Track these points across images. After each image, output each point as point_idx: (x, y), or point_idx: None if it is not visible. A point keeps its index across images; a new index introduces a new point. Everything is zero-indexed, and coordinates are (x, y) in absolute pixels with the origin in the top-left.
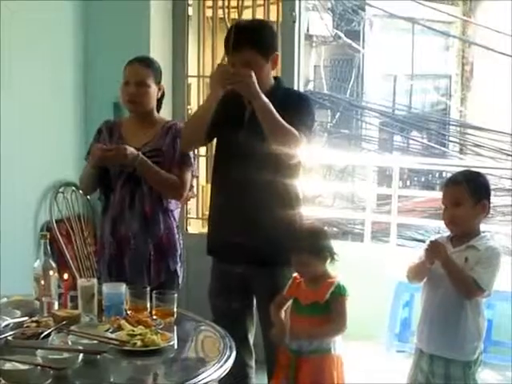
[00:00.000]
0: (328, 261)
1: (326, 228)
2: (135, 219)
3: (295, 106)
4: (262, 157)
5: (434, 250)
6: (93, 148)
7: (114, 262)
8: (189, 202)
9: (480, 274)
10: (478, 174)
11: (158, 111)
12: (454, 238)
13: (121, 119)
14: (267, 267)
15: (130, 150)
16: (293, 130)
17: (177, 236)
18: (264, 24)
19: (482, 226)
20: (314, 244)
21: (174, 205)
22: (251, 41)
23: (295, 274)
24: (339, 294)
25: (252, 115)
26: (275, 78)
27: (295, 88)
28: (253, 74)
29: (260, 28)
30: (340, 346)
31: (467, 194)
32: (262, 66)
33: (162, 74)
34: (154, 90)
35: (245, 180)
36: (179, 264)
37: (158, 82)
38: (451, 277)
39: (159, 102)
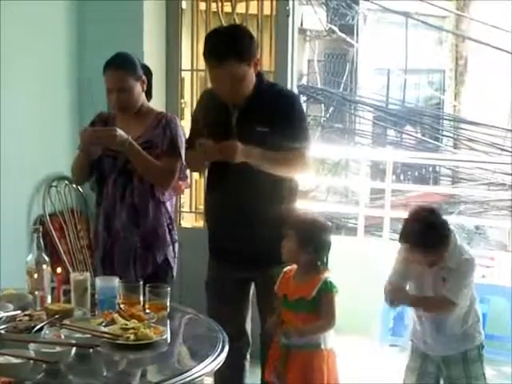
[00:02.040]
0: (319, 254)
1: (327, 223)
2: (125, 211)
3: (289, 118)
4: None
5: (397, 296)
6: (81, 131)
7: (106, 256)
8: (182, 196)
9: (451, 288)
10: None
11: (150, 100)
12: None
13: (114, 112)
14: (266, 265)
15: (119, 132)
16: (291, 156)
17: (166, 228)
18: (242, 31)
19: (476, 221)
20: (305, 232)
21: (166, 196)
22: (233, 52)
23: (285, 269)
24: (326, 290)
25: (240, 117)
26: (256, 74)
27: (283, 83)
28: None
29: (239, 37)
30: (331, 340)
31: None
32: (246, 74)
33: (139, 66)
34: (137, 89)
35: (241, 178)
36: (172, 255)
37: (139, 77)
38: (425, 308)
39: (148, 92)
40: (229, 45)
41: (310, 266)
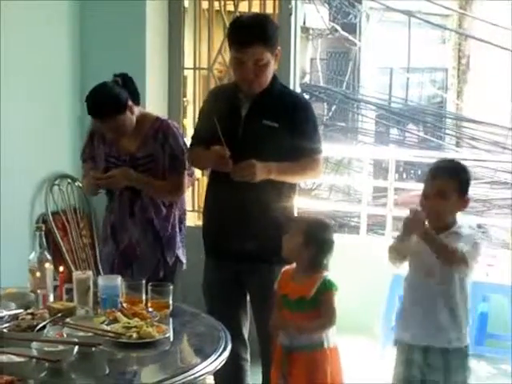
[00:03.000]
0: (321, 253)
1: (329, 222)
2: (138, 227)
3: (302, 121)
4: (258, 155)
5: (413, 222)
6: (88, 177)
7: (118, 267)
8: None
9: (465, 247)
10: (464, 166)
11: (139, 104)
12: (437, 226)
13: None
14: (261, 265)
15: (123, 172)
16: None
17: (177, 229)
18: (268, 19)
19: (478, 219)
20: (309, 231)
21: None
22: (260, 36)
23: (285, 268)
24: (326, 289)
25: (250, 110)
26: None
27: (286, 82)
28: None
29: (266, 23)
30: (334, 338)
31: (454, 188)
32: (269, 61)
33: (122, 95)
34: (129, 118)
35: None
36: (181, 250)
37: (127, 108)
38: (433, 247)
39: (135, 98)
40: (255, 29)
41: (311, 264)
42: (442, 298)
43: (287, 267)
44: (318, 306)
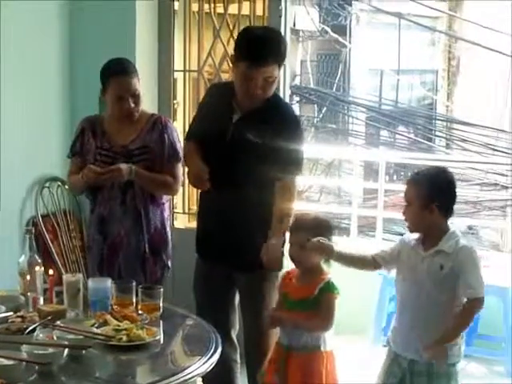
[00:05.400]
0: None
1: (330, 223)
2: (128, 217)
3: (289, 142)
4: (250, 159)
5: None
6: (85, 170)
7: (105, 262)
8: (175, 197)
9: (471, 284)
10: (441, 173)
11: None
12: (424, 240)
13: (102, 115)
14: (252, 268)
15: (123, 166)
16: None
17: (168, 229)
18: (281, 36)
19: (469, 221)
20: (314, 232)
21: (165, 197)
22: (275, 55)
23: (287, 270)
24: (328, 290)
25: (242, 117)
26: None
27: (281, 85)
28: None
29: (279, 41)
30: (331, 342)
31: (417, 195)
32: (277, 77)
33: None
34: (142, 94)
35: (233, 182)
36: (170, 255)
37: (136, 72)
38: (462, 323)
39: None
40: (271, 48)
41: (315, 266)
42: (431, 313)
43: (291, 268)
44: (319, 306)
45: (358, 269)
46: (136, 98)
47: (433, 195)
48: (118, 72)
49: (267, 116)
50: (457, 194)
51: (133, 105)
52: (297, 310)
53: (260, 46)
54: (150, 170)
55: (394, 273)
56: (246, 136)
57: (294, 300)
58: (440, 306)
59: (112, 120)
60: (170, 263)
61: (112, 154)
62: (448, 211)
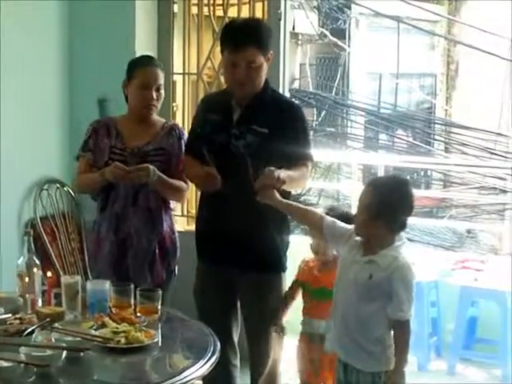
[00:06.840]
0: None
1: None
2: (139, 216)
3: (295, 128)
4: (256, 157)
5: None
6: (111, 167)
7: (116, 261)
8: None
9: (402, 306)
10: (398, 186)
11: None
12: (365, 245)
13: (115, 117)
14: (253, 272)
15: (151, 167)
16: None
17: (177, 236)
18: (262, 22)
19: (467, 225)
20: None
21: (172, 203)
22: (254, 39)
23: (307, 259)
24: None
25: (242, 115)
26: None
27: (275, 87)
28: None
29: (259, 26)
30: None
31: (365, 204)
32: (262, 64)
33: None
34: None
35: (236, 185)
36: (176, 264)
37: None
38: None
39: None
40: (249, 32)
41: (333, 257)
42: (358, 318)
43: (310, 258)
44: None
45: (302, 224)
46: (158, 93)
47: (381, 210)
48: (145, 64)
49: (266, 105)
50: (414, 206)
51: (155, 97)
52: (318, 299)
53: (238, 31)
54: (163, 172)
55: None
56: (249, 131)
57: (314, 289)
58: (365, 312)
59: (127, 122)
60: (176, 270)
61: (126, 154)
62: (399, 225)
